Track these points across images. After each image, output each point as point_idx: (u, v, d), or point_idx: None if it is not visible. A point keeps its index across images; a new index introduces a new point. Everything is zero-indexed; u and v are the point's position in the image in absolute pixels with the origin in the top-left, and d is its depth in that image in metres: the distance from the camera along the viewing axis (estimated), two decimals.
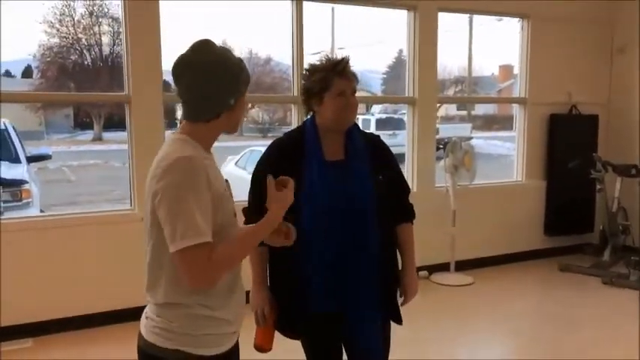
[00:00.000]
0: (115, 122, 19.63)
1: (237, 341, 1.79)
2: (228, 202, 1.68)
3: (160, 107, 4.48)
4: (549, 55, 6.06)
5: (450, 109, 25.33)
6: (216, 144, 1.75)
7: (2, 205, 5.81)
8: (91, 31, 20.10)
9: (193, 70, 1.63)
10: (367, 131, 2.33)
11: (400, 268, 2.29)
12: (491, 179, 6.43)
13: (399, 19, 5.55)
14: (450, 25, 6.33)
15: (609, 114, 6.44)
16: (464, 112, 25.86)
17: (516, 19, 6.11)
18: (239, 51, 17.05)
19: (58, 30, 19.64)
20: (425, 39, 5.46)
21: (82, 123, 23.58)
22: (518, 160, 6.26)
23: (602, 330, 4.38)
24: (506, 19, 6.63)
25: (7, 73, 22.26)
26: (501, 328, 4.55)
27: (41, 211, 6.29)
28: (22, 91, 13.22)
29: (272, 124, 23.49)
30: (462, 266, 5.64)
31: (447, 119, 24.32)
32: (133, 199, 4.53)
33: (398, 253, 2.28)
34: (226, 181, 1.75)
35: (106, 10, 19.36)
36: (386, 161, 2.26)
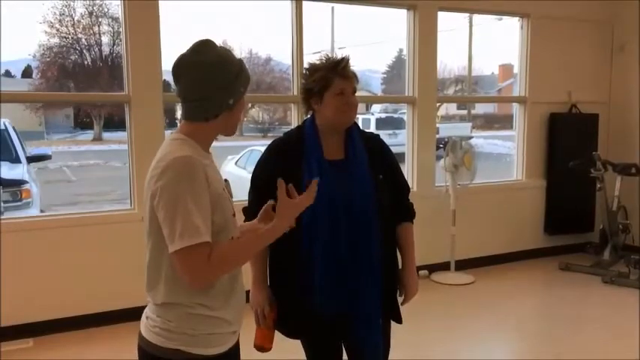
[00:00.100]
0: (115, 122, 19.67)
1: (238, 341, 1.79)
2: (227, 202, 1.68)
3: (160, 107, 4.48)
4: (549, 55, 6.06)
5: (450, 109, 25.32)
6: (216, 144, 1.75)
7: (2, 205, 5.81)
8: (91, 31, 20.12)
9: (193, 71, 1.63)
10: (367, 131, 2.32)
11: (400, 267, 2.29)
12: (492, 178, 6.43)
13: (398, 18, 5.56)
14: (449, 24, 6.32)
15: (609, 113, 6.43)
16: (464, 112, 25.85)
17: (516, 19, 6.11)
18: (239, 51, 17.10)
19: (57, 30, 19.66)
20: (425, 38, 5.46)
21: (82, 123, 23.60)
22: (518, 159, 6.26)
23: (603, 329, 4.38)
24: (506, 18, 6.62)
25: (7, 73, 22.28)
26: (502, 327, 4.55)
27: (41, 211, 6.28)
28: (22, 91, 13.22)
29: (272, 123, 23.49)
30: (462, 265, 5.64)
31: (447, 118, 24.32)
32: (133, 199, 4.53)
33: (398, 252, 2.28)
34: (225, 180, 1.75)
35: (106, 10, 19.40)
36: (386, 160, 2.26)
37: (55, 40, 19.83)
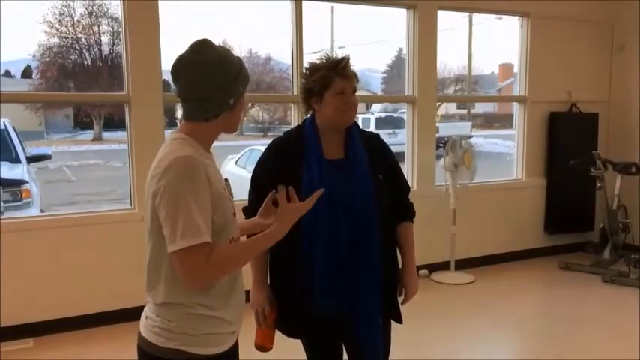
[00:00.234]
0: (115, 122, 19.65)
1: (237, 341, 1.79)
2: (227, 202, 1.67)
3: (159, 107, 4.48)
4: (549, 54, 6.05)
5: (450, 108, 25.28)
6: (216, 143, 1.74)
7: (2, 205, 5.81)
8: (91, 31, 20.09)
9: (192, 71, 1.62)
10: (367, 130, 2.32)
11: (400, 266, 2.29)
12: (492, 178, 6.43)
13: (398, 17, 5.56)
14: (449, 23, 6.32)
15: (609, 112, 6.43)
16: (464, 111, 25.82)
17: (516, 18, 6.11)
18: (239, 50, 17.06)
19: (57, 30, 19.63)
20: (425, 38, 5.46)
21: (82, 123, 23.58)
22: (518, 158, 6.26)
23: (603, 328, 4.38)
24: (505, 17, 6.62)
25: (7, 73, 22.26)
26: (502, 327, 4.55)
27: (41, 211, 6.28)
28: (22, 91, 13.22)
29: (272, 123, 23.47)
30: (462, 265, 5.64)
31: (447, 118, 24.29)
32: (133, 199, 4.53)
33: (398, 252, 2.28)
34: (226, 180, 1.75)
35: (106, 10, 19.36)
36: (386, 160, 2.26)
37: (55, 40, 19.83)
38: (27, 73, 21.72)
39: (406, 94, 5.62)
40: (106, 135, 21.66)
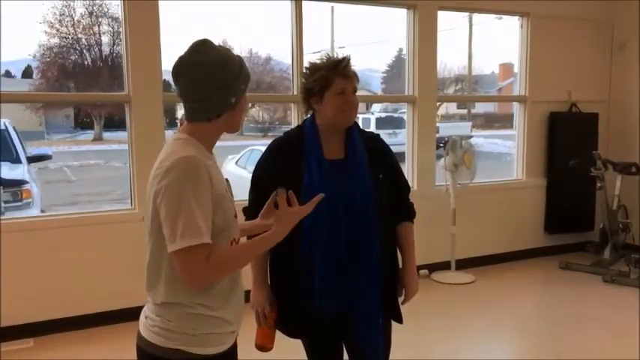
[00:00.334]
0: (116, 122, 19.65)
1: (236, 341, 1.79)
2: (228, 203, 1.67)
3: (159, 107, 4.48)
4: (549, 54, 6.05)
5: (450, 108, 25.27)
6: (216, 143, 1.74)
7: (3, 205, 5.82)
8: (91, 31, 20.10)
9: (193, 71, 1.62)
10: (367, 130, 2.32)
11: (401, 266, 2.29)
12: (492, 178, 6.43)
13: (398, 17, 5.56)
14: (449, 23, 6.33)
15: (609, 112, 6.43)
16: (464, 111, 25.81)
17: (516, 18, 6.11)
18: (239, 50, 17.04)
19: (57, 30, 19.64)
20: (425, 38, 5.46)
21: (82, 123, 23.59)
22: (518, 158, 6.26)
23: (603, 328, 4.38)
24: (505, 17, 6.62)
25: (7, 73, 22.27)
26: (502, 327, 4.55)
27: (42, 211, 6.28)
28: (22, 91, 13.23)
29: (272, 123, 23.47)
30: (463, 265, 5.64)
31: (447, 118, 24.28)
32: (134, 199, 4.53)
33: (398, 251, 2.28)
34: (227, 180, 1.75)
35: (106, 10, 19.37)
36: (386, 160, 2.26)
37: (55, 40, 19.84)
38: (27, 73, 21.73)
39: (406, 94, 5.62)
40: (106, 135, 21.67)
